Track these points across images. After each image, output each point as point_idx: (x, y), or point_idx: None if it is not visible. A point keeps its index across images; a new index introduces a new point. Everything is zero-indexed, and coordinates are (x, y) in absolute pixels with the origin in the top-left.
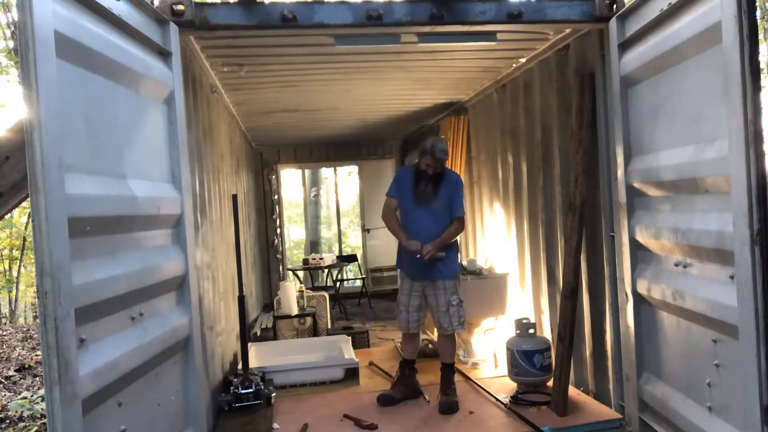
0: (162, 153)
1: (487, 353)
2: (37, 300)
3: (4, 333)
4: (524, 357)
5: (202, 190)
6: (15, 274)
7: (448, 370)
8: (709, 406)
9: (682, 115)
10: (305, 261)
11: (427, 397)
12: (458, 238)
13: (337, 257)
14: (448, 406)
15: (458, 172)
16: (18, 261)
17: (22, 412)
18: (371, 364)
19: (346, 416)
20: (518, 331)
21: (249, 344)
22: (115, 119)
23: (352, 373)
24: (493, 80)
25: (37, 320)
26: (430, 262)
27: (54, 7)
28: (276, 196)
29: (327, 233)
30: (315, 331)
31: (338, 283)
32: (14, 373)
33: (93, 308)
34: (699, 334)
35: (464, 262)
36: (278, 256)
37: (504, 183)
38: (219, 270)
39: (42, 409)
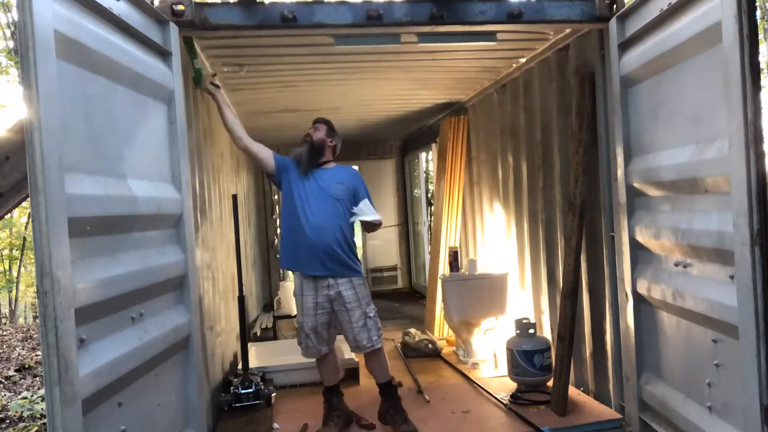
0: (162, 153)
1: (487, 353)
2: (37, 300)
3: (4, 333)
4: (524, 357)
5: (202, 190)
6: (15, 274)
7: (390, 391)
8: (709, 406)
9: (682, 115)
10: None
11: (427, 397)
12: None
13: None
14: None
15: (458, 173)
16: (18, 261)
17: (22, 412)
18: None
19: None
20: (518, 331)
21: (249, 344)
22: (115, 119)
23: (352, 373)
24: (493, 80)
25: (37, 320)
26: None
27: (54, 7)
28: (276, 196)
29: None
30: None
31: None
32: (14, 373)
33: (93, 308)
34: (699, 334)
35: (465, 262)
36: (278, 256)
37: (504, 183)
38: (219, 270)
39: (42, 409)
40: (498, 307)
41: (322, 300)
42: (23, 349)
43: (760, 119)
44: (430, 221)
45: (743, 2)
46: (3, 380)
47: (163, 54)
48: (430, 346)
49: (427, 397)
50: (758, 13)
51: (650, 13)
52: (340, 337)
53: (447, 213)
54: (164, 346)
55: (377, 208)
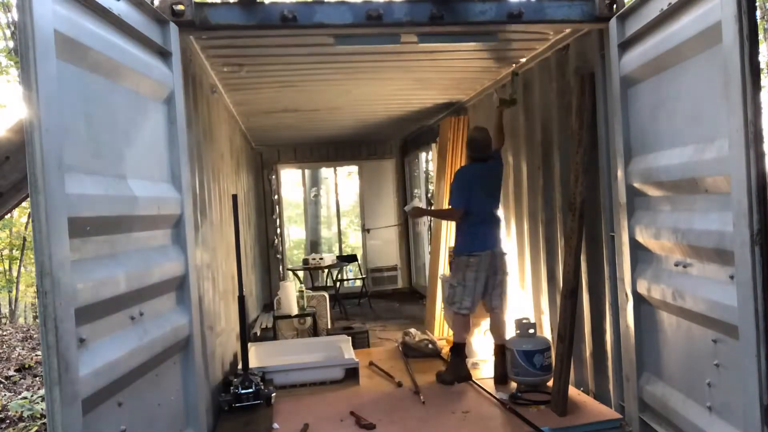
0: (162, 153)
1: (487, 353)
2: (37, 300)
3: (4, 333)
4: (524, 357)
5: (202, 190)
6: (15, 274)
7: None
8: (709, 406)
9: (682, 115)
10: (305, 261)
11: (422, 398)
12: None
13: (337, 257)
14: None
15: None
16: (18, 261)
17: (22, 412)
18: (371, 364)
19: (351, 413)
20: (518, 331)
21: (249, 344)
22: (115, 119)
23: (352, 373)
24: (493, 80)
25: (37, 320)
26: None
27: (54, 7)
28: (276, 196)
29: (327, 233)
30: (315, 331)
31: (338, 283)
32: (14, 373)
33: (93, 308)
34: (699, 334)
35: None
36: (278, 256)
37: (504, 183)
38: (219, 270)
39: (42, 409)
40: None
41: None
42: (23, 349)
43: (760, 119)
44: (430, 221)
45: (743, 2)
46: (3, 380)
47: (163, 54)
48: (430, 346)
49: (422, 397)
50: (758, 13)
51: (650, 13)
52: (340, 338)
53: None
54: (164, 346)
55: (377, 207)
